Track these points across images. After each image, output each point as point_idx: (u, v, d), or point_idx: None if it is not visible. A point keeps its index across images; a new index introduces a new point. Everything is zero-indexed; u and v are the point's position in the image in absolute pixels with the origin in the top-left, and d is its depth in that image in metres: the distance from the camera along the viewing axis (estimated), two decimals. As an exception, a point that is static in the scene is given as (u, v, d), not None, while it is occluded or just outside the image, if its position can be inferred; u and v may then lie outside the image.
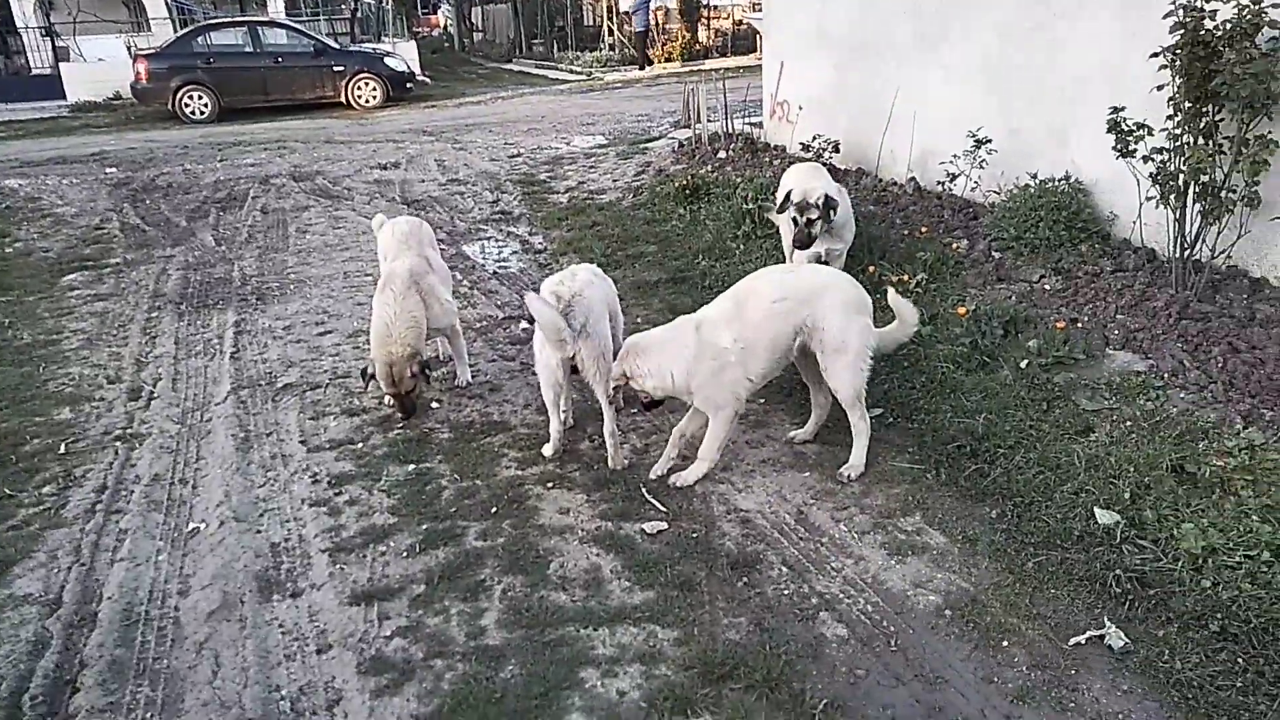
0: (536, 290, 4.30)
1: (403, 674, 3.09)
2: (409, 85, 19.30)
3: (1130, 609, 3.17)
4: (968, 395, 4.54)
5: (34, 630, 3.40)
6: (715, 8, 26.29)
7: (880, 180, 7.84)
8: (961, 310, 5.20)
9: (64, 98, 20.42)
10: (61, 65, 21.29)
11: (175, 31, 20.90)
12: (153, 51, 18.11)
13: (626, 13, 24.23)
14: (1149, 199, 4.94)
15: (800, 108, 9.01)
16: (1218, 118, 4.59)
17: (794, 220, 5.47)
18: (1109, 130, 4.96)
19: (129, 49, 20.58)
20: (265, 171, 12.00)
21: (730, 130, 10.33)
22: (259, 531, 3.97)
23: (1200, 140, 4.64)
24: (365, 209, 9.78)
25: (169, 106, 17.48)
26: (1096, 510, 3.59)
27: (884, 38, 7.79)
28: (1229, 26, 4.38)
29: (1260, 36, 4.35)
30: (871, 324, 4.10)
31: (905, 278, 5.78)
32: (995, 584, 3.37)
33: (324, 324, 6.48)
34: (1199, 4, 4.48)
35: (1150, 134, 4.82)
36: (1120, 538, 3.45)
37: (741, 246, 7.08)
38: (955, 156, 6.57)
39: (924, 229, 6.52)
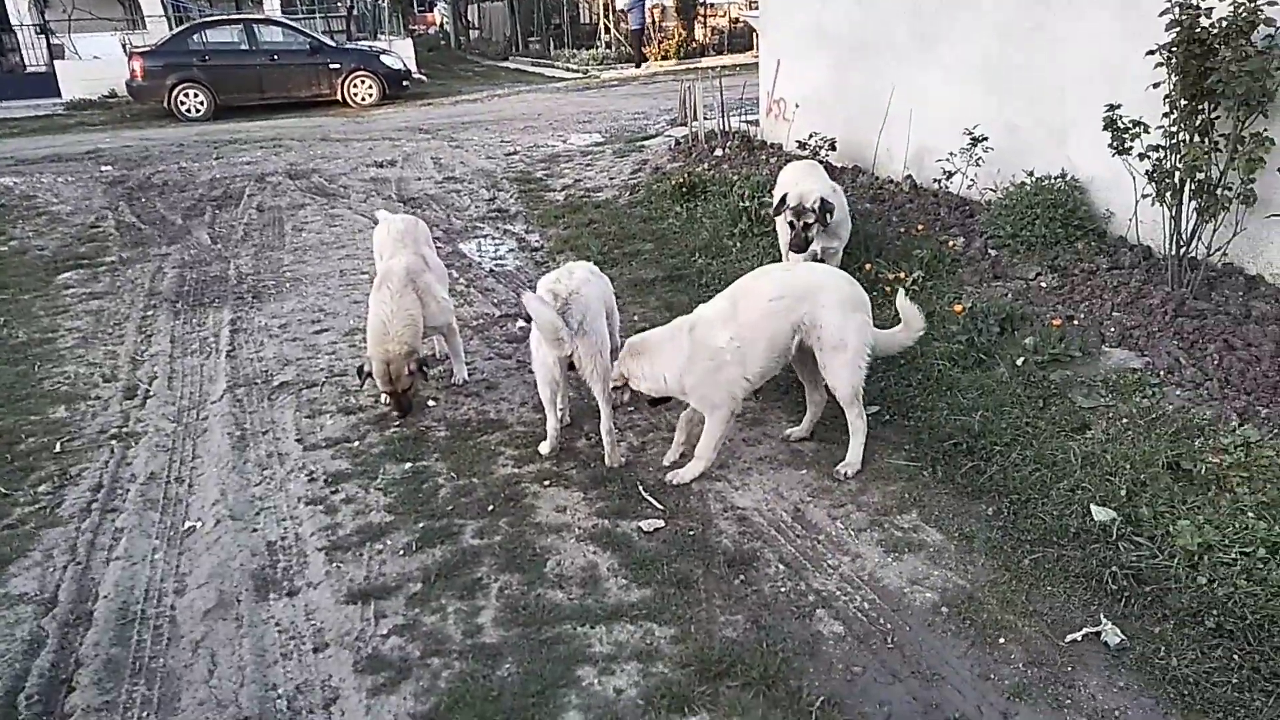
0: (533, 288, 4.30)
1: (400, 672, 3.09)
2: (405, 83, 19.27)
3: (1126, 606, 3.18)
4: (964, 393, 4.55)
5: (29, 629, 3.39)
6: (711, 5, 26.26)
7: (877, 178, 7.85)
8: (958, 308, 5.21)
9: (59, 95, 20.33)
10: (56, 63, 21.19)
11: (171, 29, 20.83)
12: (148, 49, 18.06)
13: (623, 10, 24.20)
14: (1145, 196, 4.95)
15: (797, 105, 9.02)
16: (1213, 115, 4.60)
17: (790, 224, 5.48)
18: (1105, 128, 4.96)
19: (124, 46, 20.59)
20: (261, 169, 11.97)
21: (727, 128, 10.32)
22: (255, 530, 3.97)
23: (1196, 138, 4.64)
24: (361, 207, 9.77)
25: (164, 104, 17.45)
26: (1093, 507, 3.60)
27: (884, 37, 7.81)
28: (1224, 24, 4.39)
29: (1256, 34, 4.37)
30: (870, 321, 4.10)
31: (902, 275, 5.78)
32: (992, 581, 3.38)
33: (320, 322, 6.47)
34: (1195, 1, 4.50)
35: (1146, 131, 4.83)
36: (1116, 534, 3.46)
37: (738, 244, 7.09)
38: (952, 154, 6.59)
39: (920, 227, 6.53)
